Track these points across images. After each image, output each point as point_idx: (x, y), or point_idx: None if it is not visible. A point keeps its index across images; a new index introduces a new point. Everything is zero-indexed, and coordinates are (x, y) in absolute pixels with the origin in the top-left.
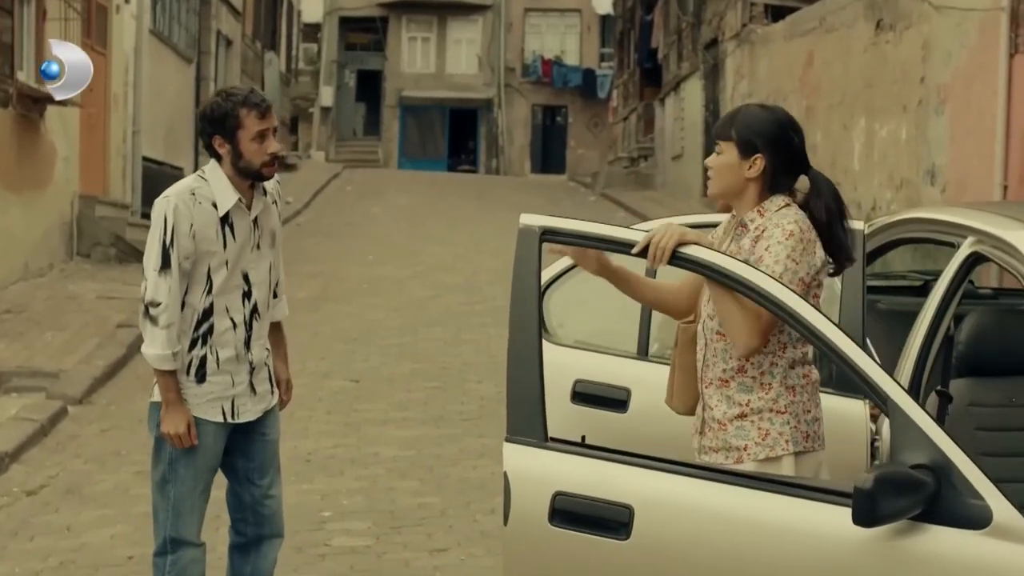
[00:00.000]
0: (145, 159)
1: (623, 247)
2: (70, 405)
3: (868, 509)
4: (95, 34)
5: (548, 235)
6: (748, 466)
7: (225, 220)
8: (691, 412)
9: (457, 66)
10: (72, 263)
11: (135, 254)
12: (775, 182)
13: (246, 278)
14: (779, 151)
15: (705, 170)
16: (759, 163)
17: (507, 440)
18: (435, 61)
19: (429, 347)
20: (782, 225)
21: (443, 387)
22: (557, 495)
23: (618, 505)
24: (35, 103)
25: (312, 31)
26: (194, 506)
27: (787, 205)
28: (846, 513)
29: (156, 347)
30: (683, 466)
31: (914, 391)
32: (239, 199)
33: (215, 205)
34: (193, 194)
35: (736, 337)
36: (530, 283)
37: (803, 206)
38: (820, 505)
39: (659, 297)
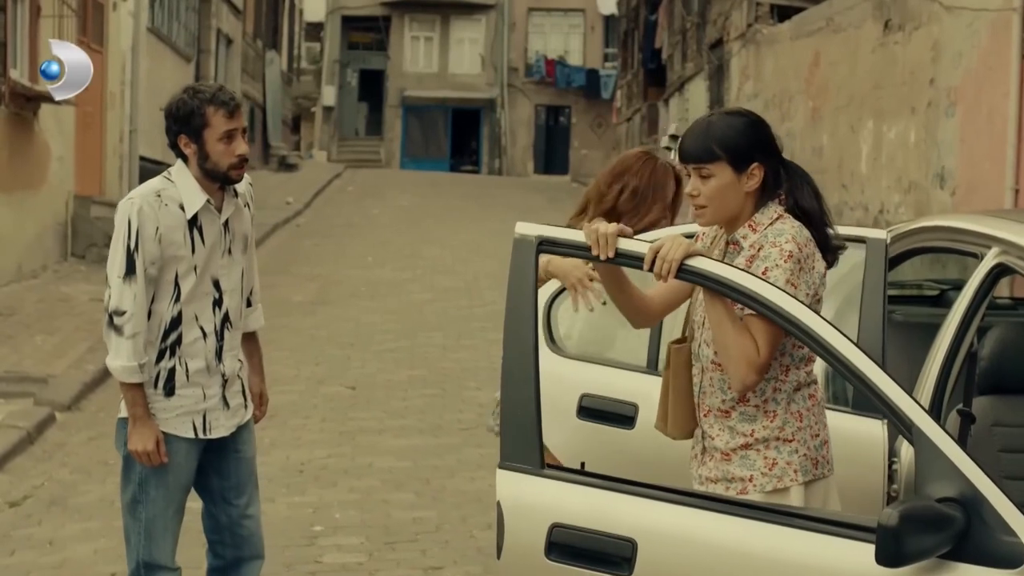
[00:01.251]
0: (143, 159)
1: (624, 259)
2: (58, 412)
3: (893, 548)
4: (91, 32)
5: (545, 245)
6: (754, 498)
7: (193, 223)
8: (687, 437)
9: (460, 66)
10: (67, 264)
11: None
12: (774, 184)
13: (216, 285)
14: (770, 153)
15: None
16: (758, 172)
17: (500, 467)
18: (438, 61)
19: (427, 352)
20: (779, 244)
21: (441, 394)
22: (554, 527)
23: (620, 539)
24: (28, 101)
25: (315, 30)
26: (167, 527)
27: (780, 218)
28: (867, 549)
29: (122, 358)
30: (690, 496)
31: (935, 410)
32: (208, 200)
33: (182, 207)
34: (159, 195)
35: (732, 372)
36: (526, 297)
37: (791, 205)
38: (839, 540)
39: (640, 301)
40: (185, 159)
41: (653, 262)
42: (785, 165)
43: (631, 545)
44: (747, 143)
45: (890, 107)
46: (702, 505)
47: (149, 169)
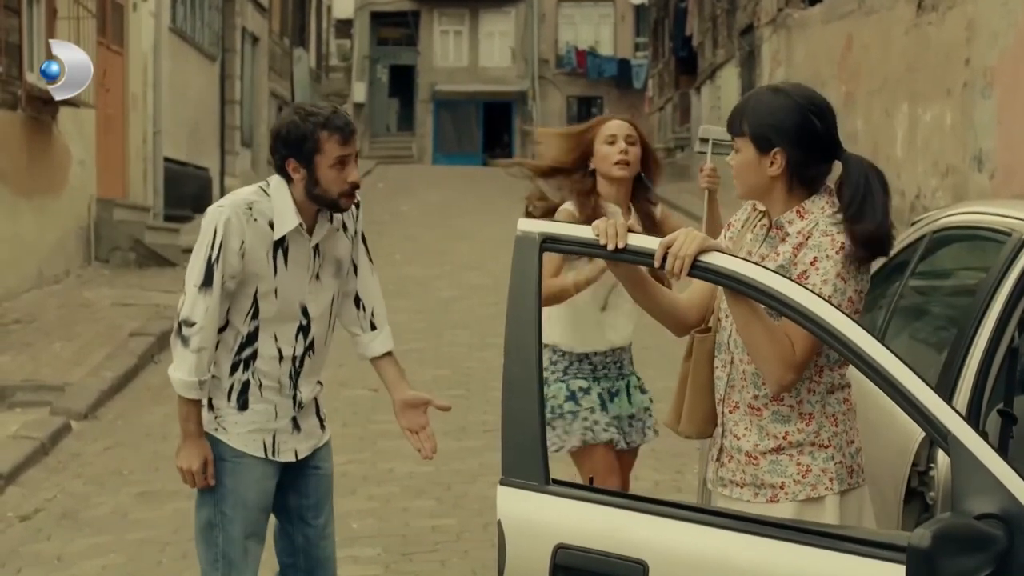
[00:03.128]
0: (168, 160)
1: (635, 256)
2: (74, 421)
3: (925, 571)
4: (111, 33)
5: (549, 243)
6: (786, 507)
7: (279, 244)
8: (702, 436)
9: (490, 59)
10: (90, 268)
11: (155, 258)
12: (805, 176)
13: (305, 311)
14: (799, 141)
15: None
16: (779, 158)
17: (502, 483)
18: (468, 54)
19: (453, 351)
20: (832, 234)
21: (466, 395)
22: (559, 548)
23: (630, 561)
24: (46, 105)
25: (345, 27)
26: (247, 550)
27: (836, 210)
28: (900, 571)
29: (183, 371)
30: (705, 514)
31: (974, 410)
32: (300, 224)
33: (271, 225)
34: (250, 208)
35: (767, 372)
36: (529, 299)
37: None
38: (868, 561)
39: (671, 306)
40: (290, 180)
41: (664, 259)
42: (842, 156)
43: (642, 568)
44: (770, 125)
45: (925, 90)
46: (718, 524)
47: (174, 170)
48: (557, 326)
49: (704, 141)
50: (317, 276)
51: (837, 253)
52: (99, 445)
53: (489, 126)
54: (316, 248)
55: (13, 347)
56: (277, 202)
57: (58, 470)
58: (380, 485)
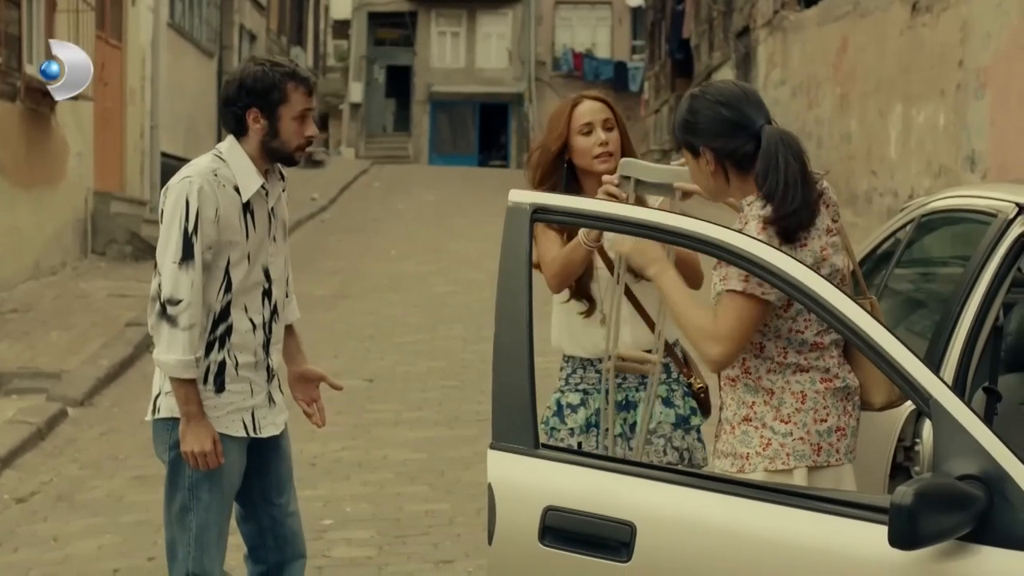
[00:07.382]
0: (164, 155)
1: (624, 225)
2: (70, 407)
3: (907, 528)
4: (110, 27)
5: (540, 213)
6: (753, 477)
7: (247, 207)
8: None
9: (487, 60)
10: (86, 261)
11: (151, 251)
12: (736, 161)
13: (267, 274)
14: (714, 133)
15: None
16: (708, 155)
17: (492, 447)
18: (465, 56)
19: (448, 344)
20: (760, 216)
21: (460, 386)
22: (548, 510)
23: (618, 522)
24: (45, 97)
25: (343, 27)
26: (220, 535)
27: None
28: (880, 531)
29: (176, 352)
30: (692, 477)
31: (959, 388)
32: (263, 184)
33: (237, 190)
34: (215, 175)
35: (697, 348)
36: (520, 269)
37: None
38: (850, 522)
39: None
40: (239, 134)
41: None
42: (761, 134)
43: (629, 529)
44: (689, 132)
45: (919, 91)
46: (704, 486)
47: (171, 165)
48: (555, 327)
49: (626, 179)
50: (274, 238)
51: (759, 233)
52: (95, 431)
53: (485, 128)
54: (272, 209)
55: (10, 335)
56: (235, 165)
57: (54, 455)
58: (374, 471)
